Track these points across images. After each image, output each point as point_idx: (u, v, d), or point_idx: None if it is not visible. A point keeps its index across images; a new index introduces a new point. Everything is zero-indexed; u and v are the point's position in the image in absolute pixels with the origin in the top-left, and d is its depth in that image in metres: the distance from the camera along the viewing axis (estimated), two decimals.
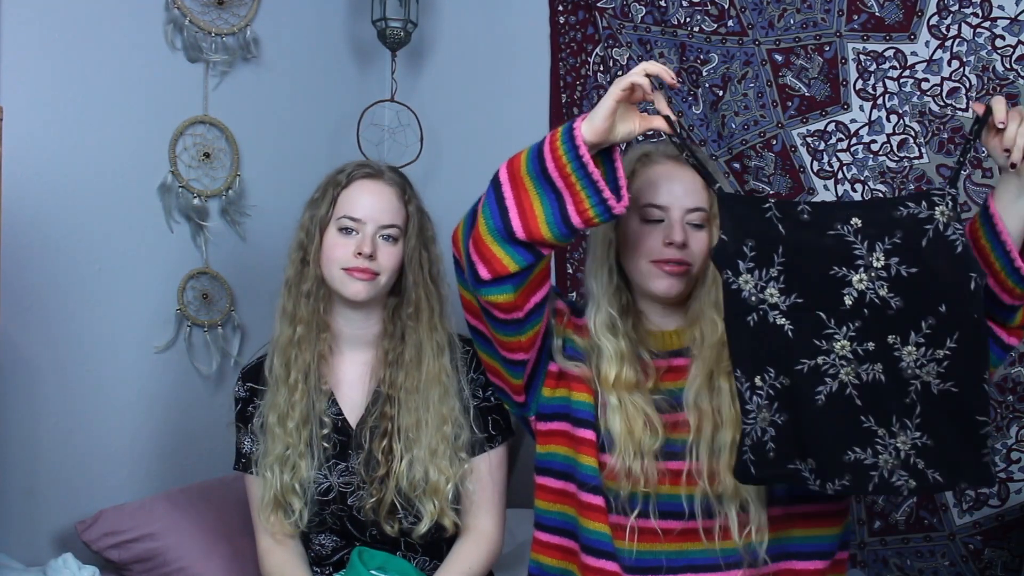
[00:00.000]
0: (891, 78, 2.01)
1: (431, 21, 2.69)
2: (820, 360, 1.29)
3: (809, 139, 2.10)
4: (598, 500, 1.46)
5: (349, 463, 1.68)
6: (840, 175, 2.06)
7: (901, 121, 2.01)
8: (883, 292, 1.27)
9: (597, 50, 2.38)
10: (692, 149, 1.36)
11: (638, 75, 1.28)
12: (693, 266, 1.47)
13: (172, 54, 2.20)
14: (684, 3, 2.23)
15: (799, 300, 1.30)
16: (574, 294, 2.44)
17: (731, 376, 1.36)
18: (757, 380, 1.31)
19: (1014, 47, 1.90)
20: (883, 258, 1.27)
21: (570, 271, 2.45)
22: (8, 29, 1.89)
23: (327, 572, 1.73)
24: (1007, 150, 1.28)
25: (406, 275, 1.68)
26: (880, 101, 2.03)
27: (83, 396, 2.04)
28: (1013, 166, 1.28)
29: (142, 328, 2.15)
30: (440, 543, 1.72)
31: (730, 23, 2.18)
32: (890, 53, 2.01)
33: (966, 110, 1.95)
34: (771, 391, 1.31)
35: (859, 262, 1.28)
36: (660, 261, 1.46)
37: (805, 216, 1.30)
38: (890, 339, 1.28)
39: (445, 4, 2.69)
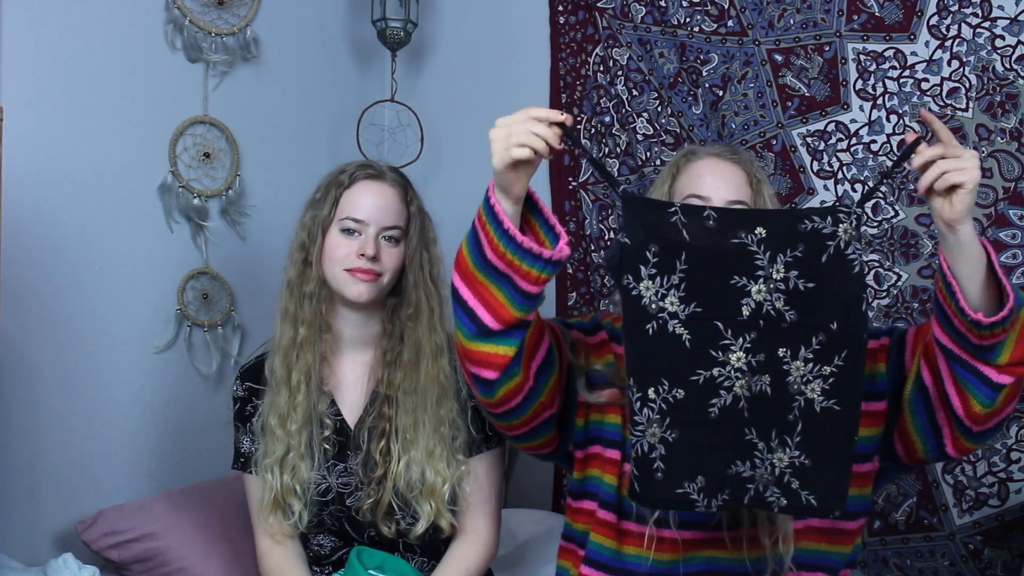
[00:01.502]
0: (891, 78, 2.01)
1: (431, 21, 2.69)
2: (716, 372, 1.27)
3: (809, 139, 2.10)
4: (611, 517, 1.47)
5: (347, 464, 1.68)
6: (840, 175, 2.06)
7: (901, 121, 2.01)
8: (779, 304, 1.26)
9: (597, 50, 2.38)
10: (587, 151, 1.38)
11: (523, 140, 1.27)
12: None
13: (172, 54, 2.20)
14: (684, 3, 2.23)
15: (698, 309, 1.27)
16: (574, 294, 2.44)
17: None
18: (651, 392, 1.28)
19: (1014, 47, 1.90)
20: (783, 270, 1.26)
21: (570, 271, 2.45)
22: (8, 29, 1.89)
23: (326, 572, 1.74)
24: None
25: (407, 276, 1.68)
26: (880, 101, 2.03)
27: (83, 396, 2.04)
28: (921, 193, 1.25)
29: (142, 328, 2.15)
30: (438, 544, 1.72)
31: (730, 23, 2.18)
32: (890, 53, 2.01)
33: (966, 110, 1.95)
34: (664, 405, 1.27)
35: (759, 272, 1.26)
36: None
37: (711, 222, 1.28)
38: (780, 352, 1.26)
39: (445, 4, 2.69)
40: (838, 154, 2.07)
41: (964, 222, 1.22)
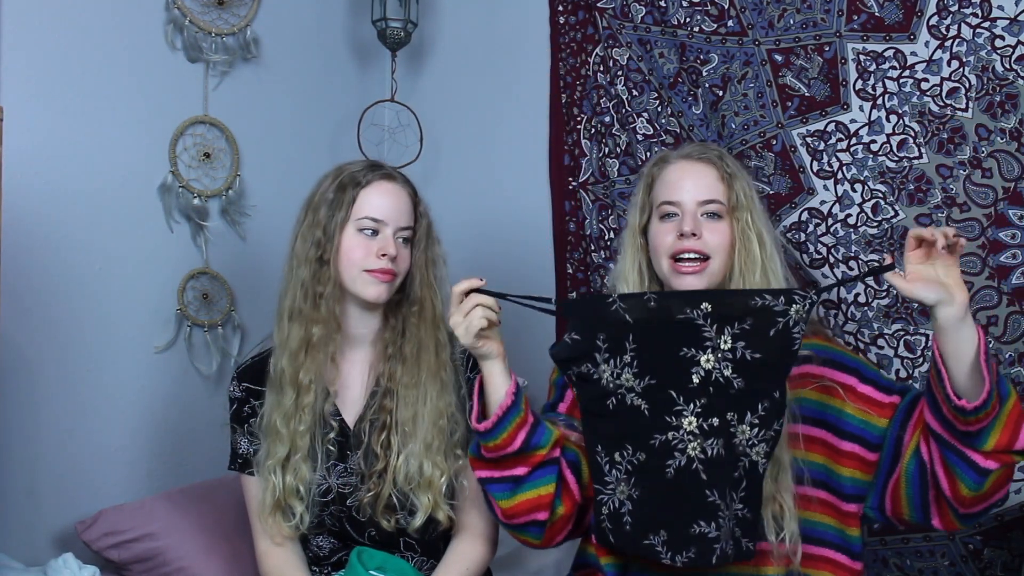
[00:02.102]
0: (891, 78, 2.01)
1: (431, 21, 2.69)
2: (670, 435, 1.38)
3: (809, 139, 2.10)
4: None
5: (348, 463, 1.68)
6: (840, 175, 2.06)
7: (901, 121, 2.01)
8: (727, 372, 1.36)
9: (597, 50, 2.38)
10: (510, 296, 1.45)
11: (473, 324, 1.42)
12: (713, 258, 1.51)
13: (172, 54, 2.20)
14: (684, 3, 2.23)
15: (652, 381, 1.38)
16: (574, 294, 2.44)
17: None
18: (616, 456, 1.41)
19: (1014, 47, 1.90)
20: (730, 341, 1.35)
21: (570, 271, 2.46)
22: (8, 29, 1.89)
23: (325, 572, 1.74)
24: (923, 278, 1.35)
25: (412, 275, 1.69)
26: (880, 101, 2.03)
27: (83, 396, 2.04)
28: (947, 248, 1.33)
29: (142, 328, 2.15)
30: (436, 543, 1.72)
31: (730, 23, 2.18)
32: (890, 53, 2.01)
33: (966, 110, 1.95)
34: (629, 466, 1.40)
35: (707, 343, 1.36)
36: (678, 260, 1.52)
37: (652, 304, 1.39)
38: (729, 416, 1.37)
39: (445, 4, 2.69)
40: (838, 154, 2.07)
41: (964, 320, 1.31)
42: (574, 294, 2.44)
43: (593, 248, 2.40)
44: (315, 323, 1.64)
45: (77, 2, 2.01)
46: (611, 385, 1.39)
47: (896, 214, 2.02)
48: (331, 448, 1.68)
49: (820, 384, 1.48)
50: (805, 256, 2.08)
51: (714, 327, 1.36)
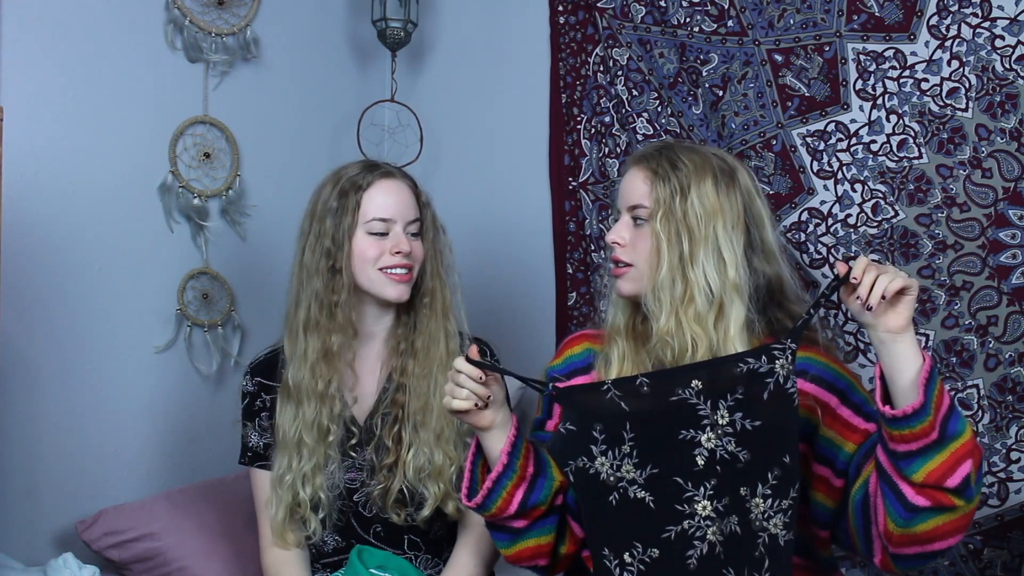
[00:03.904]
0: (891, 78, 2.01)
1: (431, 21, 2.69)
2: (686, 524, 1.31)
3: (809, 139, 2.10)
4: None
5: (357, 459, 1.68)
6: (840, 175, 2.06)
7: (901, 121, 2.01)
8: (731, 447, 1.30)
9: (597, 50, 2.38)
10: (501, 369, 1.41)
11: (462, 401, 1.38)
12: (635, 265, 1.49)
13: (172, 54, 2.20)
14: (684, 3, 2.23)
15: (655, 470, 1.32)
16: (574, 294, 2.44)
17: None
18: (626, 556, 1.33)
19: (1014, 47, 1.90)
20: (727, 415, 1.29)
21: (570, 271, 2.45)
22: (8, 29, 1.89)
23: (325, 573, 1.74)
24: (860, 300, 1.27)
25: (423, 266, 1.70)
26: (880, 101, 2.03)
27: (83, 396, 2.04)
28: (869, 308, 1.26)
29: (142, 328, 2.15)
30: (442, 542, 1.72)
31: (730, 23, 2.18)
32: (890, 53, 2.01)
33: (966, 110, 1.95)
34: (642, 566, 1.32)
35: (705, 421, 1.30)
36: (612, 260, 1.51)
37: (645, 389, 1.32)
38: (742, 491, 1.30)
39: (445, 4, 2.69)
40: (838, 154, 2.07)
41: (908, 330, 1.26)
42: (574, 295, 2.44)
43: (593, 248, 2.40)
44: (333, 332, 1.64)
45: (77, 2, 2.01)
46: (611, 479, 1.33)
47: (896, 214, 2.02)
48: (354, 455, 1.68)
49: (805, 401, 1.42)
50: (805, 256, 2.08)
51: (708, 403, 1.30)
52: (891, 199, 2.02)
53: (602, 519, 1.35)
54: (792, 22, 2.11)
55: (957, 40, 1.95)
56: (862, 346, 2.04)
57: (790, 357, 1.29)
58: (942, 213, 1.97)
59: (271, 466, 1.70)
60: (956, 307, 1.96)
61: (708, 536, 1.30)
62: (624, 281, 1.50)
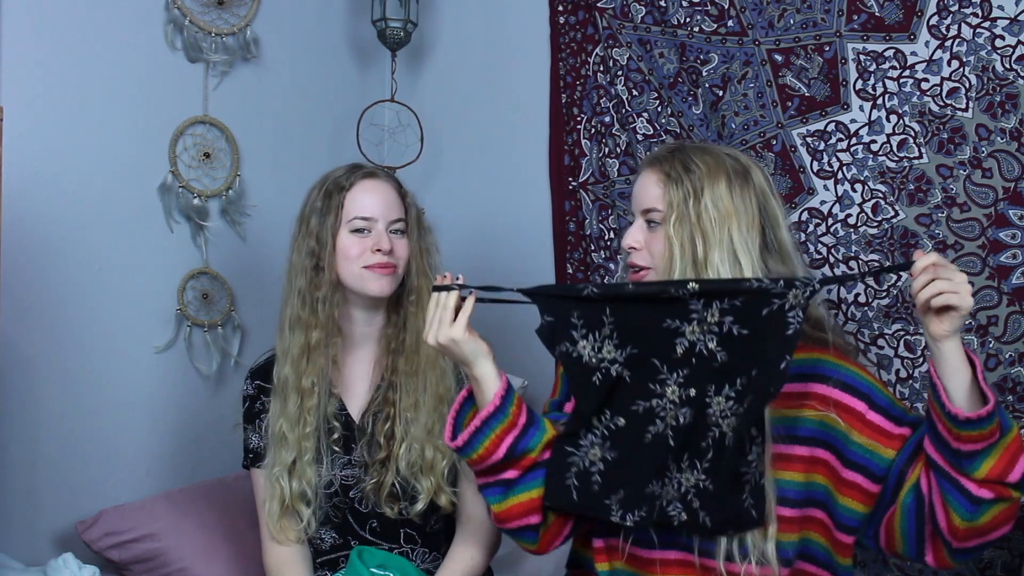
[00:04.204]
0: (891, 78, 2.01)
1: (431, 21, 2.69)
2: (654, 403, 1.38)
3: (809, 139, 2.10)
4: (599, 543, 1.52)
5: (352, 456, 1.71)
6: (840, 175, 2.06)
7: (901, 121, 2.01)
8: (711, 345, 1.34)
9: (597, 50, 2.37)
10: (487, 295, 1.45)
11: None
12: (652, 269, 1.48)
13: (172, 54, 2.20)
14: (684, 3, 2.23)
15: (634, 351, 1.38)
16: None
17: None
18: (593, 420, 1.41)
19: (1014, 47, 1.90)
20: (718, 315, 1.34)
21: (570, 271, 2.45)
22: (8, 29, 1.89)
23: (323, 572, 1.74)
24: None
25: (408, 265, 1.73)
26: (880, 101, 2.03)
27: (83, 396, 2.04)
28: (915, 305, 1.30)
29: (142, 328, 2.15)
30: (439, 535, 1.74)
31: (730, 23, 2.18)
32: (890, 53, 2.01)
33: (966, 110, 1.95)
34: (606, 431, 1.40)
35: (693, 315, 1.35)
36: (629, 264, 1.51)
37: (630, 286, 1.39)
38: (708, 388, 1.35)
39: (445, 4, 2.69)
40: (838, 154, 2.07)
41: (949, 339, 1.27)
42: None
43: (593, 248, 2.40)
44: (314, 328, 1.68)
45: (77, 2, 2.01)
46: (593, 360, 1.39)
47: (896, 214, 2.02)
48: (336, 448, 1.71)
49: (826, 404, 1.41)
50: (805, 256, 2.08)
51: (701, 301, 1.34)
52: (891, 199, 2.02)
53: (587, 395, 1.40)
54: (792, 22, 2.11)
55: (957, 40, 1.95)
56: (862, 346, 2.04)
57: (808, 293, 1.31)
58: (942, 213, 1.97)
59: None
60: None
61: (667, 418, 1.37)
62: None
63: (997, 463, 1.27)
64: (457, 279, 1.46)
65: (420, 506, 1.68)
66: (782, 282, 1.31)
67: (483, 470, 1.46)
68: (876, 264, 2.02)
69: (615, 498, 1.38)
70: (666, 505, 1.36)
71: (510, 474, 1.45)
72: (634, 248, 1.49)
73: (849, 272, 1.35)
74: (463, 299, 1.44)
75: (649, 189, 1.48)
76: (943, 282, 1.26)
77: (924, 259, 1.28)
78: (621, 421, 1.39)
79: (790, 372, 1.34)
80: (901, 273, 1.35)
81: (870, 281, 2.03)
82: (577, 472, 1.41)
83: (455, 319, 1.42)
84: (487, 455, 1.43)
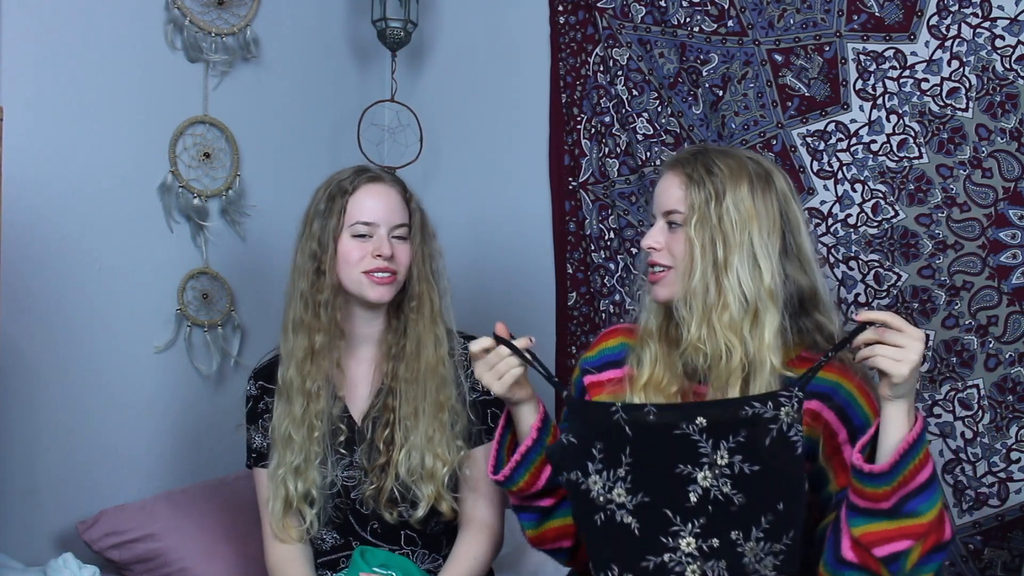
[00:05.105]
0: (891, 78, 2.01)
1: (431, 21, 2.69)
2: (667, 557, 1.30)
3: (809, 139, 2.10)
4: None
5: (353, 457, 1.70)
6: (840, 175, 2.07)
7: (901, 121, 2.01)
8: (727, 489, 1.29)
9: (597, 50, 2.38)
10: (524, 354, 1.43)
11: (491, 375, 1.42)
12: (674, 268, 1.46)
13: (172, 54, 2.20)
14: (684, 3, 2.23)
15: (646, 499, 1.32)
16: (574, 294, 2.44)
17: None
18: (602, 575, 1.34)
19: (1014, 47, 1.90)
20: (727, 456, 1.28)
21: (570, 271, 2.45)
22: (8, 29, 1.89)
23: (324, 572, 1.74)
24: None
25: (411, 271, 1.72)
26: (880, 101, 2.03)
27: (83, 396, 2.04)
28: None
29: (142, 328, 2.15)
30: (439, 536, 1.74)
31: (730, 23, 2.18)
32: (890, 53, 2.01)
33: (966, 110, 1.95)
34: None
35: (704, 460, 1.29)
36: (649, 265, 1.49)
37: (651, 417, 1.32)
38: (733, 535, 1.29)
39: (445, 4, 2.69)
40: (838, 154, 2.07)
41: (891, 403, 1.25)
42: (574, 294, 2.44)
43: (593, 248, 2.40)
44: (317, 331, 1.67)
45: (77, 2, 2.01)
46: (601, 499, 1.33)
47: (896, 214, 2.02)
48: (341, 450, 1.71)
49: (817, 423, 1.40)
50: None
51: (710, 442, 1.29)
52: (891, 199, 2.02)
53: (588, 534, 1.36)
54: (792, 22, 2.11)
55: (957, 40, 1.95)
56: None
57: (796, 405, 1.28)
58: (942, 213, 1.97)
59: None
60: (956, 307, 1.96)
61: (687, 573, 1.30)
62: (661, 287, 1.46)
63: (875, 533, 1.25)
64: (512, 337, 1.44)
65: (421, 512, 1.67)
66: (770, 403, 1.28)
67: (521, 498, 1.48)
68: (876, 264, 2.03)
69: None
70: None
71: (546, 502, 1.47)
72: (654, 248, 1.48)
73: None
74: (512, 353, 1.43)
75: (671, 191, 1.47)
76: (885, 348, 1.24)
77: (871, 315, 1.27)
78: None
79: (814, 391, 1.34)
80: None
81: (871, 281, 2.03)
82: None
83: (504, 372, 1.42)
84: (527, 487, 1.45)
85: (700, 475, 1.29)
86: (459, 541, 1.72)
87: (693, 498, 1.29)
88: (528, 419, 1.45)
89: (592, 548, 1.36)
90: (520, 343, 1.42)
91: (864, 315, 1.27)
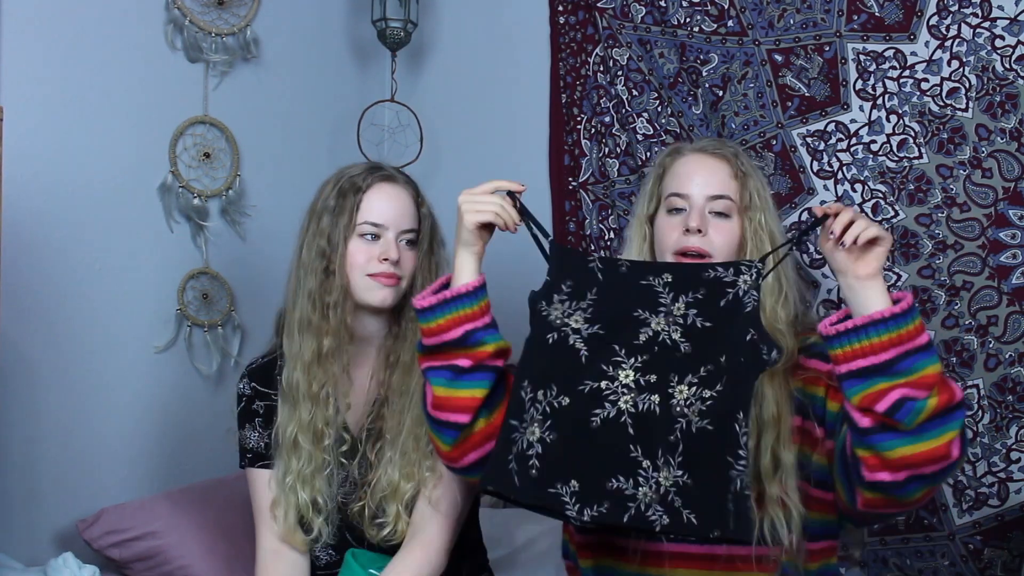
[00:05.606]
0: (891, 78, 2.01)
1: (431, 21, 2.69)
2: (603, 384, 1.35)
3: (809, 139, 2.10)
4: (579, 538, 1.54)
5: (348, 472, 1.67)
6: (840, 175, 2.06)
7: (901, 121, 2.01)
8: (675, 336, 1.36)
9: (597, 50, 2.38)
10: (530, 220, 1.47)
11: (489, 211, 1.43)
12: (715, 257, 1.49)
13: (172, 54, 2.20)
14: (684, 3, 2.23)
15: (600, 332, 1.37)
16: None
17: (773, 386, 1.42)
18: (539, 394, 1.36)
19: (1014, 47, 1.90)
20: (683, 308, 1.37)
21: None
22: (8, 29, 1.89)
23: None
24: (833, 236, 1.32)
25: (415, 278, 1.66)
26: (880, 101, 2.03)
27: (83, 396, 2.04)
28: (843, 245, 1.31)
29: (142, 328, 2.15)
30: None
31: (730, 23, 2.18)
32: (890, 53, 2.01)
33: (966, 110, 1.95)
34: (548, 408, 1.35)
35: (661, 309, 1.38)
36: (681, 253, 1.50)
37: (623, 269, 1.41)
38: (670, 376, 1.34)
39: (445, 4, 2.69)
40: (838, 154, 2.07)
41: (876, 277, 1.29)
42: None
43: (593, 248, 2.40)
44: (326, 334, 1.61)
45: (77, 2, 2.01)
46: (557, 322, 1.38)
47: (896, 214, 2.02)
48: (344, 461, 1.66)
49: (806, 375, 1.45)
50: (805, 256, 2.08)
51: (671, 295, 1.37)
52: (891, 199, 2.02)
53: (535, 352, 1.38)
54: (792, 22, 2.11)
55: (957, 40, 1.95)
56: None
57: (754, 275, 1.36)
58: (942, 213, 1.97)
59: (271, 465, 1.69)
60: (956, 307, 1.96)
61: (620, 403, 1.33)
62: None
63: (874, 391, 1.25)
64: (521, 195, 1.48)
65: (384, 532, 1.60)
66: (731, 269, 1.36)
67: (435, 349, 1.44)
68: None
69: (567, 489, 1.31)
70: (644, 510, 1.29)
71: (462, 361, 1.42)
72: (699, 232, 1.49)
73: (797, 236, 1.41)
74: (513, 205, 1.47)
75: (719, 177, 1.52)
76: (861, 220, 1.30)
77: (837, 205, 1.34)
78: (565, 400, 1.34)
79: (814, 350, 1.41)
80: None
81: None
82: (517, 453, 1.33)
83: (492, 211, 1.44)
84: (441, 331, 1.42)
85: (654, 320, 1.37)
86: (401, 555, 1.60)
87: (643, 338, 1.36)
88: (467, 278, 1.45)
89: (537, 365, 1.37)
90: (508, 185, 1.47)
91: (822, 208, 1.35)
